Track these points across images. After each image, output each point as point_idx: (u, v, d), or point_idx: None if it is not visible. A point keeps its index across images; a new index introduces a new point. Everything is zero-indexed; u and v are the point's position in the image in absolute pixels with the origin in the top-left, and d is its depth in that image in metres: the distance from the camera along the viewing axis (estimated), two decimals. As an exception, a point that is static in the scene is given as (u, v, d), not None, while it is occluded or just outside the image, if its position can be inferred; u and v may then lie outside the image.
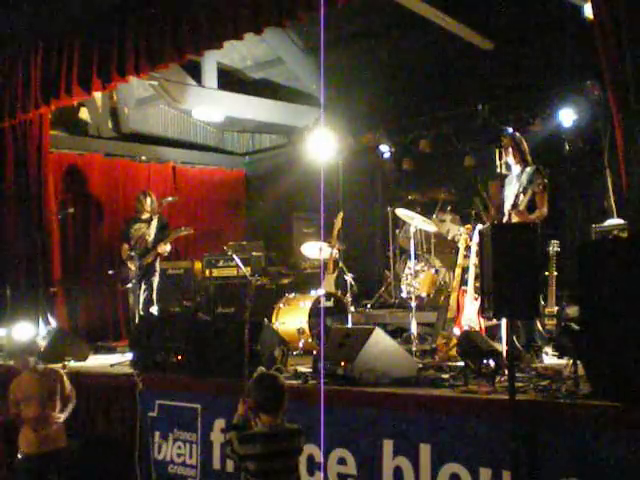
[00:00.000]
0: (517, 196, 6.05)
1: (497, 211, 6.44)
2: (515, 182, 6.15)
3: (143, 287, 8.60)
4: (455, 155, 9.79)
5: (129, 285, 8.57)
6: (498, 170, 6.21)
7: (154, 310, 8.46)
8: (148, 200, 8.78)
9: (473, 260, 6.49)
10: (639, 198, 5.03)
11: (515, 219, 5.89)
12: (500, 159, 6.11)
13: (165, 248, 8.61)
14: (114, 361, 7.40)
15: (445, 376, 5.28)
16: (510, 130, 6.56)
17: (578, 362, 4.54)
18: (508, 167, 6.21)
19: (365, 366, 5.10)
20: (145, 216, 8.78)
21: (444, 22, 8.79)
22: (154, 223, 8.63)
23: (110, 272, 9.05)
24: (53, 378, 5.94)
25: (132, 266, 8.58)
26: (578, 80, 8.29)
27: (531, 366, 5.52)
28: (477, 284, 6.32)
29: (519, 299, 4.10)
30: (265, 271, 9.50)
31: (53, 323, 8.73)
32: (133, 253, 8.58)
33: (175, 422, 5.86)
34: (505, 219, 5.96)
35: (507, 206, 6.08)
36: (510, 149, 6.16)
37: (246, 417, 4.13)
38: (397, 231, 9.75)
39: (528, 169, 6.13)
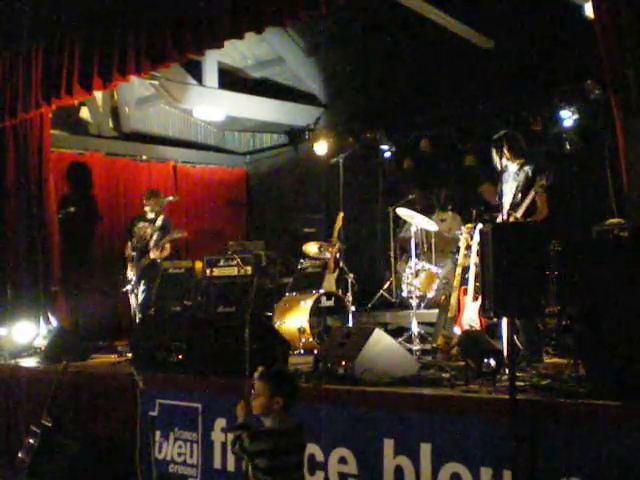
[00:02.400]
0: (515, 195, 6.06)
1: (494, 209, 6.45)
2: (512, 180, 6.15)
3: (142, 288, 8.62)
4: (455, 155, 9.79)
5: (128, 287, 8.58)
6: (498, 168, 6.22)
7: (152, 311, 8.47)
8: (151, 201, 8.80)
9: (474, 259, 6.50)
10: (639, 197, 5.04)
11: (512, 219, 5.91)
12: (498, 158, 6.12)
13: (158, 254, 8.64)
14: (114, 361, 7.41)
15: (446, 375, 5.28)
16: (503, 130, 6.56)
17: (578, 362, 4.54)
18: (505, 165, 6.20)
19: (365, 366, 5.11)
20: (150, 216, 8.81)
21: (444, 21, 8.80)
22: (158, 224, 8.66)
23: (107, 275, 9.05)
24: None
25: (131, 266, 8.60)
26: (578, 80, 8.29)
27: (531, 366, 5.53)
28: (478, 283, 6.33)
29: (520, 298, 4.10)
30: (265, 270, 9.51)
31: (54, 322, 8.74)
32: (134, 253, 8.60)
33: (176, 421, 5.86)
34: (503, 217, 5.97)
35: (505, 204, 6.07)
36: (505, 148, 6.13)
37: (251, 416, 4.12)
38: (397, 231, 9.76)
39: (526, 167, 6.12)
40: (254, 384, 4.07)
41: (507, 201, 6.08)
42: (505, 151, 6.09)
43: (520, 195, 6.05)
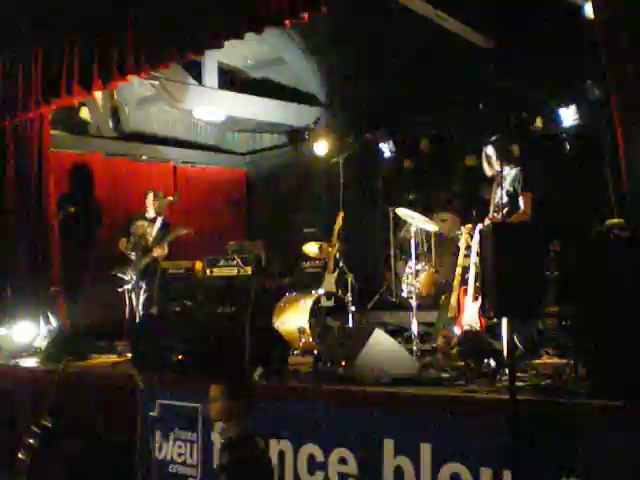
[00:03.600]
0: (501, 197, 6.12)
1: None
2: (501, 184, 6.21)
3: (143, 287, 8.62)
4: (455, 155, 9.79)
5: (127, 286, 8.58)
6: (487, 174, 6.32)
7: (154, 311, 8.48)
8: (155, 202, 8.81)
9: (474, 259, 6.50)
10: (639, 197, 5.04)
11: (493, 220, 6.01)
12: (487, 164, 6.23)
13: (161, 252, 8.64)
14: (114, 361, 7.40)
15: (446, 375, 5.28)
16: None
17: (578, 362, 4.54)
18: (497, 170, 6.26)
19: (365, 366, 5.10)
20: (150, 215, 8.81)
21: (444, 21, 8.80)
22: (157, 224, 8.65)
23: (113, 273, 9.05)
24: None
25: (131, 265, 8.59)
26: (578, 80, 8.29)
27: (531, 366, 5.53)
28: (478, 283, 6.33)
29: (520, 298, 4.10)
30: (265, 271, 9.51)
31: (54, 322, 8.73)
32: (134, 252, 8.59)
33: (176, 422, 5.85)
34: (488, 219, 6.06)
35: (492, 207, 6.18)
36: (493, 155, 6.23)
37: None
38: (397, 231, 9.75)
39: (513, 171, 6.20)
40: (210, 388, 3.89)
41: (494, 203, 6.17)
42: (495, 157, 6.18)
43: (506, 198, 6.13)
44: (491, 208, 6.26)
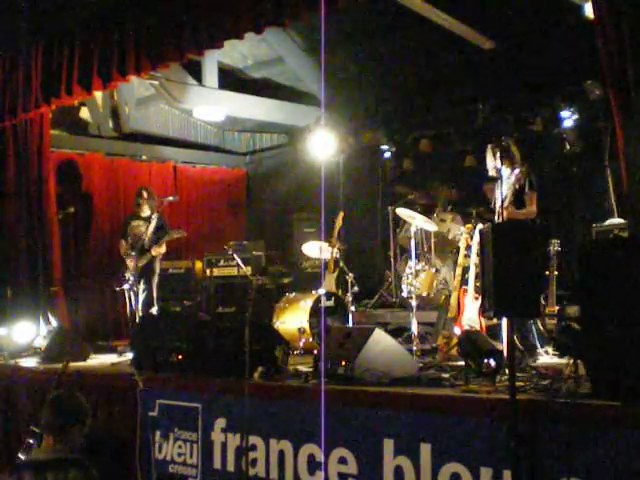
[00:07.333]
0: (506, 198, 6.13)
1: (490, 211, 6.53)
2: (504, 184, 6.22)
3: (142, 287, 8.61)
4: (455, 155, 9.80)
5: (125, 286, 8.57)
6: (490, 173, 6.32)
7: (154, 311, 8.47)
8: (149, 199, 8.79)
9: (474, 259, 6.51)
10: (639, 198, 5.04)
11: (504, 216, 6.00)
12: (492, 162, 6.23)
13: (159, 250, 8.63)
14: (114, 361, 7.41)
15: (446, 376, 5.28)
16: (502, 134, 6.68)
17: (578, 362, 4.55)
18: (498, 170, 6.25)
19: (365, 366, 5.10)
20: (145, 214, 8.79)
21: (445, 21, 8.80)
22: (153, 223, 8.62)
23: (110, 273, 9.04)
24: None
25: (129, 266, 8.58)
26: (578, 80, 8.29)
27: (531, 365, 5.53)
28: (478, 283, 6.33)
29: (520, 298, 4.10)
30: (265, 271, 9.51)
31: (53, 322, 8.74)
32: (133, 252, 8.58)
33: (176, 421, 5.85)
34: (496, 218, 6.06)
35: (497, 207, 6.18)
36: (497, 155, 6.22)
37: None
38: (397, 231, 9.76)
39: (516, 171, 6.21)
40: None
41: (498, 204, 6.16)
42: (498, 159, 6.18)
43: (511, 196, 6.14)
44: (496, 206, 6.24)
